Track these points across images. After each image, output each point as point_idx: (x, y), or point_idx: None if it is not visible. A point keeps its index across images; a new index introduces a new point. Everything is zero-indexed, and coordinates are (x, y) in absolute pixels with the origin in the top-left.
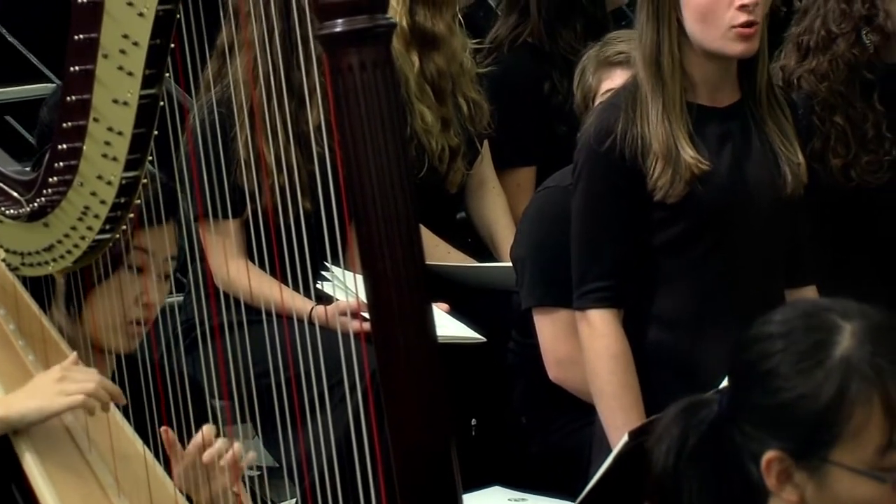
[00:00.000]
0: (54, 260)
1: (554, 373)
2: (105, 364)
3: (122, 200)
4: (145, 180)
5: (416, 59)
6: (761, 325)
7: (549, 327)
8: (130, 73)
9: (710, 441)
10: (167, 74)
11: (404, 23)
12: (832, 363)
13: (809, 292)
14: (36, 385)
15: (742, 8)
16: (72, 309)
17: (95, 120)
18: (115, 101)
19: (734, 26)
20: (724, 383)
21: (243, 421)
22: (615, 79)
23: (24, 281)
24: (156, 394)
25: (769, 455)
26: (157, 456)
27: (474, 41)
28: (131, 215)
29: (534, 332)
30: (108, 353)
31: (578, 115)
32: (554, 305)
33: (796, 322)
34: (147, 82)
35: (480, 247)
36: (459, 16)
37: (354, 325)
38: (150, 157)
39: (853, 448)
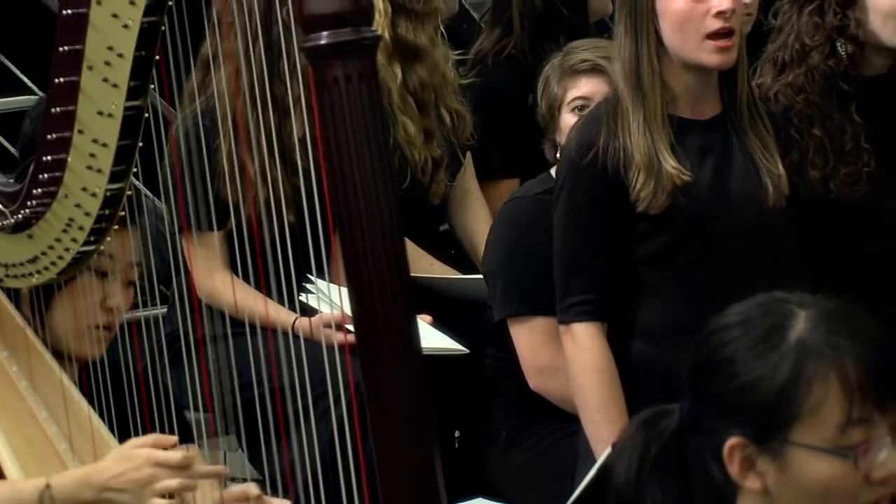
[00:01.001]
0: (38, 272)
1: (535, 382)
2: (72, 371)
3: (107, 212)
4: (129, 192)
5: (398, 70)
6: (718, 319)
7: (526, 336)
8: (115, 85)
9: (672, 449)
10: (152, 86)
11: (387, 35)
12: (787, 345)
13: None
14: (124, 474)
15: (719, 15)
16: (36, 315)
17: (80, 132)
18: (100, 113)
19: (711, 35)
20: None
21: (227, 433)
22: (581, 87)
23: (9, 293)
24: (140, 406)
25: (731, 442)
26: None
27: (456, 52)
28: (116, 227)
29: (508, 344)
30: (73, 360)
31: (544, 125)
32: (529, 314)
33: (752, 311)
34: (132, 94)
35: (464, 259)
36: (442, 28)
37: (339, 336)
38: (135, 169)
39: (813, 426)
